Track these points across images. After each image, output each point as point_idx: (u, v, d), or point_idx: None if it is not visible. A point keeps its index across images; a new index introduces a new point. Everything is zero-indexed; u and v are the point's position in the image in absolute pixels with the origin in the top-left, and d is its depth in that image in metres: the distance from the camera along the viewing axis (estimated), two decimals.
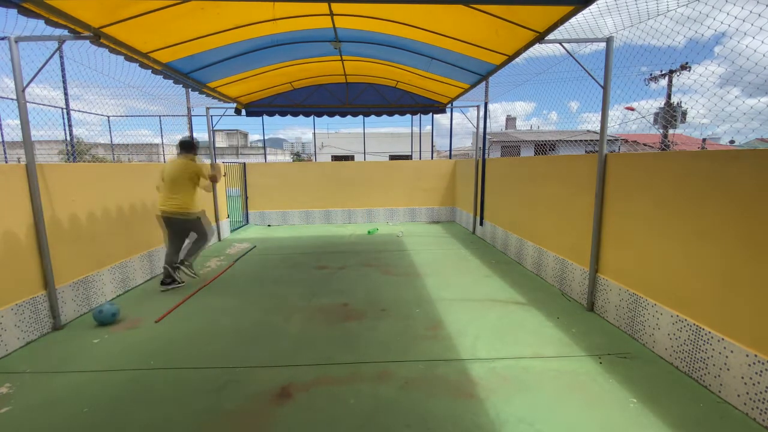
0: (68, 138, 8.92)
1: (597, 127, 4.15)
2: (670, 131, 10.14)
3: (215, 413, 2.32)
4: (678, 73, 13.83)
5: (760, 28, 2.47)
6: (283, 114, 7.64)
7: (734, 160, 2.39)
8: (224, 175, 7.91)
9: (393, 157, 22.68)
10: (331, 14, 3.88)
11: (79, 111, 10.57)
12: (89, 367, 2.86)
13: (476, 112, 7.83)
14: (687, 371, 2.65)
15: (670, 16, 3.22)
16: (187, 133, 6.95)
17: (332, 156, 25.16)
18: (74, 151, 9.58)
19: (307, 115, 7.80)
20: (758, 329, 2.19)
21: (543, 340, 3.18)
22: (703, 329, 2.53)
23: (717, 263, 2.46)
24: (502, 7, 3.20)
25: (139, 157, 18.14)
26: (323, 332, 3.38)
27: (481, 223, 7.07)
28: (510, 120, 30.89)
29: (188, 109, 6.86)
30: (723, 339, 2.38)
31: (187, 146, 4.63)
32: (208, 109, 7.39)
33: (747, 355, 2.22)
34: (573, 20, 3.20)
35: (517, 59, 4.31)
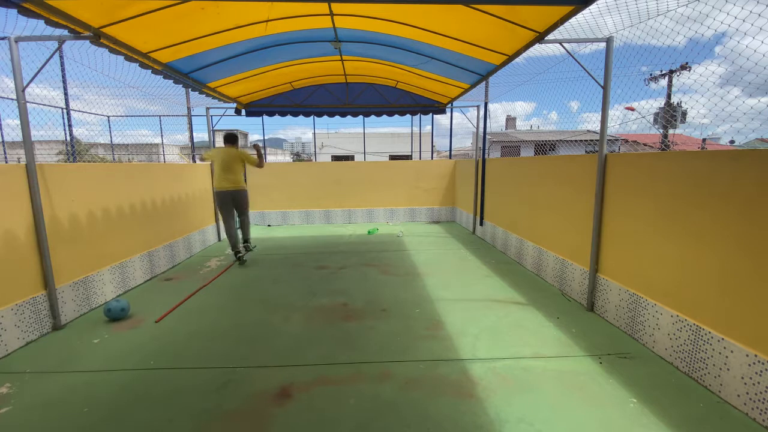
0: (68, 138, 8.92)
1: (597, 127, 4.15)
2: (670, 131, 10.14)
3: (215, 413, 2.32)
4: (678, 73, 13.84)
5: (760, 28, 2.47)
6: (283, 114, 7.65)
7: (734, 160, 2.39)
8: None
9: (393, 157, 22.69)
10: (331, 14, 3.88)
11: (79, 111, 10.57)
12: (89, 367, 2.86)
13: (476, 112, 7.84)
14: (687, 371, 2.65)
15: (670, 16, 3.22)
16: (187, 133, 6.97)
17: (332, 156, 25.17)
18: (74, 151, 9.58)
19: (307, 115, 7.80)
20: (758, 329, 2.19)
21: (543, 340, 3.18)
22: (703, 329, 2.53)
23: (717, 263, 2.45)
24: (502, 7, 3.20)
25: (139, 157, 18.14)
26: (323, 332, 3.38)
27: (481, 223, 7.07)
28: (510, 120, 30.89)
29: (188, 109, 6.86)
30: (723, 339, 2.38)
31: (231, 138, 5.61)
32: (208, 109, 7.39)
33: (747, 355, 2.22)
34: (573, 20, 3.20)
35: (517, 59, 4.31)
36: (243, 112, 7.46)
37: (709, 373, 2.48)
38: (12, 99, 7.14)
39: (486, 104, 6.96)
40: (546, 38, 3.57)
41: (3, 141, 8.97)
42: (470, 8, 3.28)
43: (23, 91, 3.23)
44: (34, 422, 2.27)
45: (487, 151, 7.53)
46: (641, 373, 2.67)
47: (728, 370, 2.34)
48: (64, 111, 8.81)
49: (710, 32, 2.98)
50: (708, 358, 2.48)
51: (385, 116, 7.91)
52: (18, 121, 3.31)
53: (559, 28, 3.33)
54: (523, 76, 6.81)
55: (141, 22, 3.37)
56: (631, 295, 3.21)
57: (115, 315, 3.64)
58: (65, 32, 3.24)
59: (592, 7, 2.95)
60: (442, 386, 2.55)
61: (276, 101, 7.50)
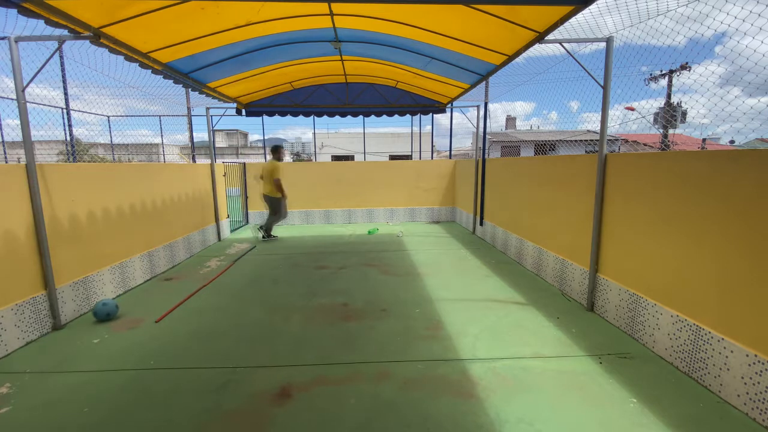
0: (68, 138, 8.92)
1: (597, 127, 4.15)
2: (670, 131, 10.14)
3: (215, 413, 2.32)
4: (678, 73, 13.83)
5: (760, 28, 2.47)
6: (283, 114, 7.64)
7: (734, 161, 2.39)
8: (224, 175, 7.91)
9: (393, 157, 22.68)
10: (331, 14, 3.88)
11: (79, 111, 10.57)
12: (89, 367, 2.86)
13: (476, 112, 7.84)
14: (687, 371, 2.65)
15: (670, 16, 3.22)
16: (187, 133, 7.02)
17: (332, 156, 25.16)
18: (74, 151, 9.58)
19: (307, 115, 7.80)
20: (758, 329, 2.19)
21: (543, 340, 3.18)
22: (703, 329, 2.53)
23: (717, 263, 2.45)
24: (503, 7, 3.19)
25: (139, 157, 18.14)
26: (323, 332, 3.38)
27: (481, 223, 7.07)
28: (510, 120, 30.88)
29: (188, 109, 6.87)
30: (723, 339, 2.38)
31: (274, 150, 6.91)
32: (208, 109, 7.39)
33: (747, 355, 2.22)
34: (573, 20, 3.20)
35: (517, 59, 4.31)
36: (243, 112, 7.46)
37: (709, 373, 2.48)
38: (12, 99, 7.14)
39: (486, 104, 6.97)
40: (546, 38, 3.57)
41: (3, 141, 8.97)
42: (470, 8, 3.27)
43: (23, 91, 3.23)
44: (34, 422, 2.27)
45: (487, 151, 7.53)
46: (641, 373, 2.67)
47: (728, 370, 2.34)
48: (64, 111, 8.81)
49: (710, 32, 2.98)
50: (708, 358, 2.48)
51: (385, 116, 7.91)
52: (18, 121, 3.32)
53: (559, 28, 3.33)
54: (523, 76, 6.82)
55: (141, 22, 3.37)
56: (631, 295, 3.21)
57: (101, 317, 3.63)
58: (65, 32, 3.24)
59: (592, 7, 2.95)
60: (442, 386, 2.55)
61: (276, 101, 7.50)
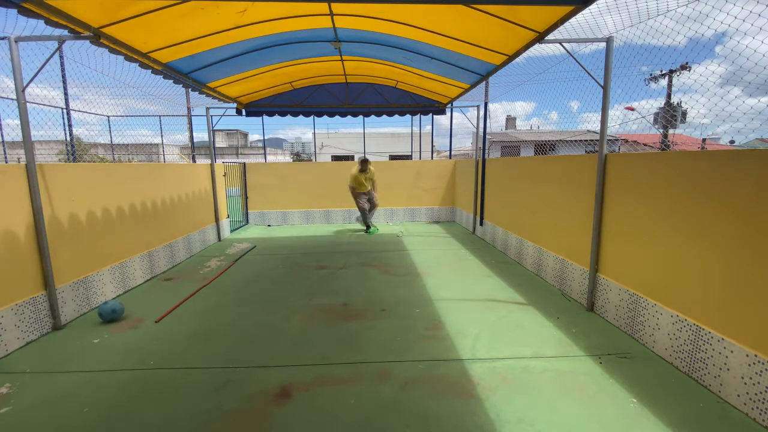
0: (68, 138, 8.92)
1: (597, 127, 4.15)
2: (670, 131, 10.13)
3: (215, 413, 2.32)
4: (678, 73, 13.83)
5: (760, 28, 2.47)
6: (283, 114, 7.64)
7: (734, 160, 2.39)
8: (224, 175, 7.92)
9: (393, 157, 22.68)
10: (331, 14, 3.88)
11: (79, 111, 10.57)
12: (89, 367, 2.86)
13: (476, 112, 7.83)
14: (687, 371, 2.65)
15: (670, 16, 3.22)
16: (187, 133, 7.00)
17: (332, 156, 25.15)
18: (74, 151, 9.58)
19: (307, 115, 7.80)
20: (758, 329, 2.19)
21: (543, 340, 3.18)
22: (703, 329, 2.53)
23: (717, 263, 2.45)
24: (502, 7, 3.19)
25: (139, 157, 18.13)
26: (323, 332, 3.38)
27: (481, 223, 7.07)
28: (510, 120, 30.88)
29: (188, 109, 6.87)
30: (723, 339, 2.38)
31: (364, 163, 7.74)
32: (208, 109, 7.39)
33: (747, 355, 2.22)
34: (573, 20, 3.20)
35: (517, 59, 4.31)
36: (243, 112, 7.46)
37: (709, 373, 2.48)
38: (12, 99, 7.14)
39: (486, 104, 6.97)
40: (546, 38, 3.57)
41: (3, 141, 8.97)
42: (470, 8, 3.27)
43: (23, 91, 3.23)
44: (34, 422, 2.27)
45: (487, 151, 7.53)
46: (641, 373, 2.67)
47: (728, 370, 2.34)
48: (64, 111, 8.80)
49: (710, 32, 2.98)
50: (708, 358, 2.48)
51: (385, 116, 7.91)
52: (18, 121, 3.32)
53: (559, 28, 3.33)
54: (523, 76, 6.82)
55: (141, 22, 3.37)
56: (631, 295, 3.21)
57: (107, 318, 3.61)
58: (65, 32, 3.24)
59: (592, 7, 2.95)
60: (442, 386, 2.55)
61: (276, 101, 7.50)
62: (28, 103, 3.35)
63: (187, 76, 5.03)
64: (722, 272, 2.42)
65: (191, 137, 8.15)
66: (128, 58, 4.01)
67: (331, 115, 7.92)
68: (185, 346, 3.18)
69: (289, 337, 3.31)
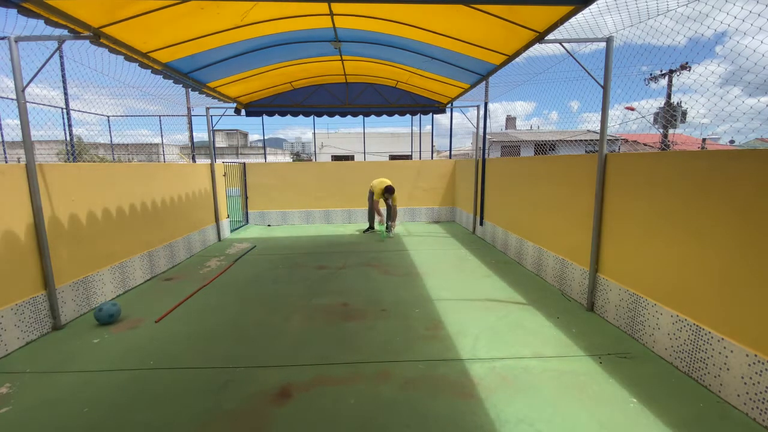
0: (68, 138, 8.91)
1: (597, 126, 4.15)
2: (670, 131, 10.13)
3: (215, 413, 2.32)
4: (678, 73, 13.83)
5: (760, 28, 2.47)
6: (283, 114, 7.65)
7: (733, 160, 2.39)
8: (224, 175, 7.92)
9: (393, 157, 22.67)
10: (331, 14, 3.88)
11: (78, 111, 10.57)
12: (89, 367, 2.86)
13: (476, 112, 7.83)
14: (687, 371, 2.65)
15: (670, 16, 3.22)
16: (187, 133, 7.01)
17: (332, 156, 25.15)
18: (74, 151, 9.58)
19: (307, 115, 7.80)
20: (758, 329, 2.19)
21: (543, 340, 3.18)
22: (703, 329, 2.53)
23: (717, 263, 2.45)
24: (502, 7, 3.19)
25: (139, 157, 18.13)
26: (323, 332, 3.38)
27: (481, 223, 7.07)
28: (510, 120, 30.87)
29: (188, 109, 6.87)
30: (723, 339, 2.38)
31: (389, 190, 7.41)
32: (208, 109, 7.39)
33: (747, 355, 2.22)
34: (573, 20, 3.20)
35: (517, 59, 4.31)
36: (243, 112, 7.46)
37: (709, 373, 2.48)
38: (12, 99, 7.14)
39: (486, 104, 6.97)
40: (546, 38, 3.57)
41: (3, 141, 8.96)
42: (470, 8, 3.27)
43: (23, 91, 3.23)
44: (34, 422, 2.27)
45: (487, 151, 7.53)
46: (641, 373, 2.67)
47: (728, 370, 2.34)
48: (64, 111, 8.80)
49: (710, 32, 2.98)
50: (708, 358, 2.48)
51: (385, 116, 7.92)
52: (18, 121, 3.31)
53: (559, 28, 3.33)
54: (523, 76, 6.81)
55: (141, 22, 3.37)
56: (631, 295, 3.21)
57: (102, 319, 3.58)
58: (65, 32, 3.24)
59: (592, 6, 2.95)
60: (442, 386, 2.55)
61: (276, 101, 7.50)
62: (28, 103, 3.35)
63: (187, 76, 5.03)
64: (722, 272, 2.42)
65: (191, 137, 8.15)
66: (128, 58, 4.01)
67: (331, 115, 7.92)
68: (185, 346, 3.18)
69: (289, 337, 3.31)
